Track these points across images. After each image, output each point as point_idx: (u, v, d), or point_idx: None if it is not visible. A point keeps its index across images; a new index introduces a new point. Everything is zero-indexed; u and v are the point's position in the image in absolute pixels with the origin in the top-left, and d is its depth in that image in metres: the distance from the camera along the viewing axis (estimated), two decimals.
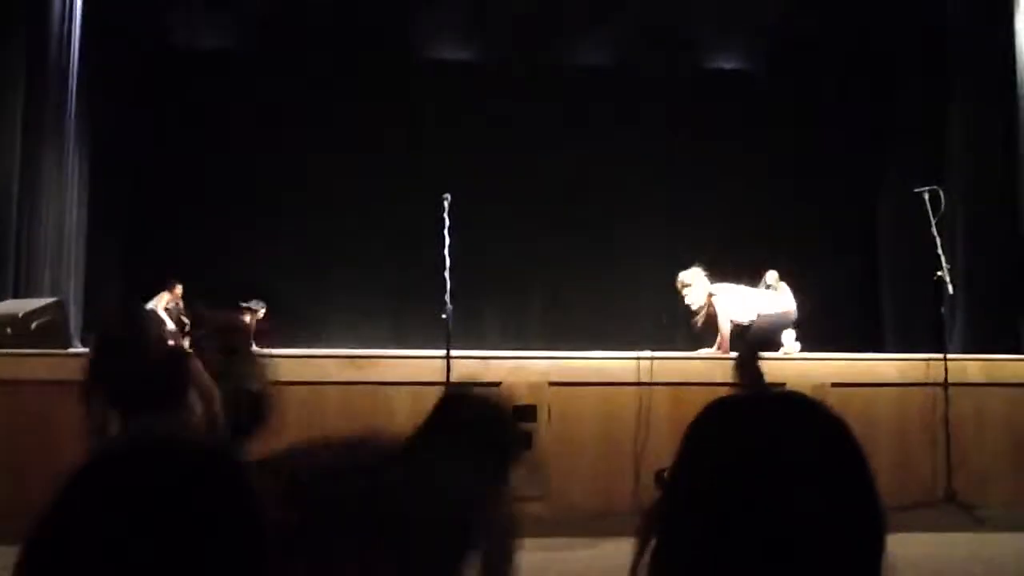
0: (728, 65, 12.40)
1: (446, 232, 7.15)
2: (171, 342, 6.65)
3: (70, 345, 7.94)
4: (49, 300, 8.22)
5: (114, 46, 10.69)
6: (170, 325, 9.33)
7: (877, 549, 0.96)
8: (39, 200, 9.14)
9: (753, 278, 9.87)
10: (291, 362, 7.39)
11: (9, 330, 7.48)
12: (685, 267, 8.44)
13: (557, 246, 11.68)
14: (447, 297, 7.25)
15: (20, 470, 6.32)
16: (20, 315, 7.66)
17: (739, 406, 1.03)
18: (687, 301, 8.32)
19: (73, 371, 6.90)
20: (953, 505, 6.90)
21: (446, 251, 7.13)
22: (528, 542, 6.01)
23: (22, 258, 8.96)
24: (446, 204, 7.23)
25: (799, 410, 1.02)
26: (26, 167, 8.94)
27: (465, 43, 12.10)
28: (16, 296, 8.52)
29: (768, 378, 6.10)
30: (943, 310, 7.72)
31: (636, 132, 12.06)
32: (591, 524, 6.39)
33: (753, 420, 1.01)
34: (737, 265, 11.41)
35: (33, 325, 7.60)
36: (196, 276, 9.91)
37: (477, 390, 2.93)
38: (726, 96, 12.19)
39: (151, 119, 11.58)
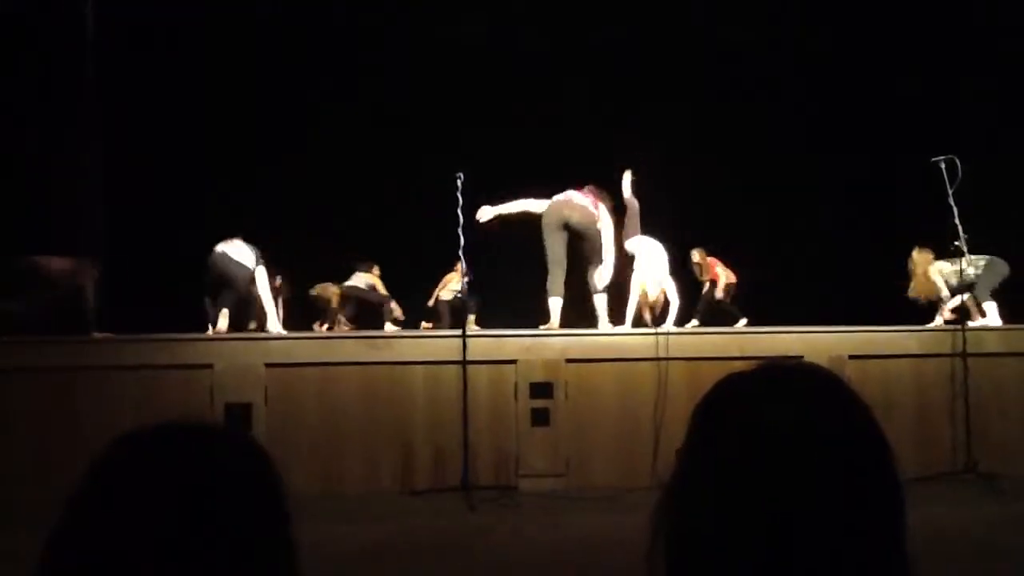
0: (745, 36, 12.27)
1: (460, 211, 7.14)
2: None
3: (90, 331, 8.00)
4: (68, 286, 8.26)
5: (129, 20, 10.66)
6: None
7: (898, 522, 0.96)
8: (58, 185, 9.16)
9: (770, 253, 9.87)
10: (310, 343, 7.44)
11: (26, 316, 7.53)
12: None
13: None
14: (462, 276, 7.27)
15: (43, 456, 6.39)
16: (38, 302, 7.72)
17: (752, 380, 1.03)
18: None
19: (94, 356, 7.02)
20: (974, 475, 6.88)
21: (460, 231, 7.12)
22: (548, 517, 6.08)
23: (42, 245, 8.99)
24: (459, 183, 7.21)
25: (811, 382, 1.02)
26: (47, 152, 8.97)
27: (480, 18, 12.02)
28: (36, 285, 8.56)
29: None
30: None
31: (655, 106, 11.99)
32: (610, 500, 6.42)
33: (766, 393, 1.00)
34: (753, 239, 11.43)
35: (52, 312, 7.66)
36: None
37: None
38: (745, 68, 12.09)
39: (169, 95, 11.51)
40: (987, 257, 8.56)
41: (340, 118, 11.85)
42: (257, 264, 8.60)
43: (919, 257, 8.86)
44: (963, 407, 7.12)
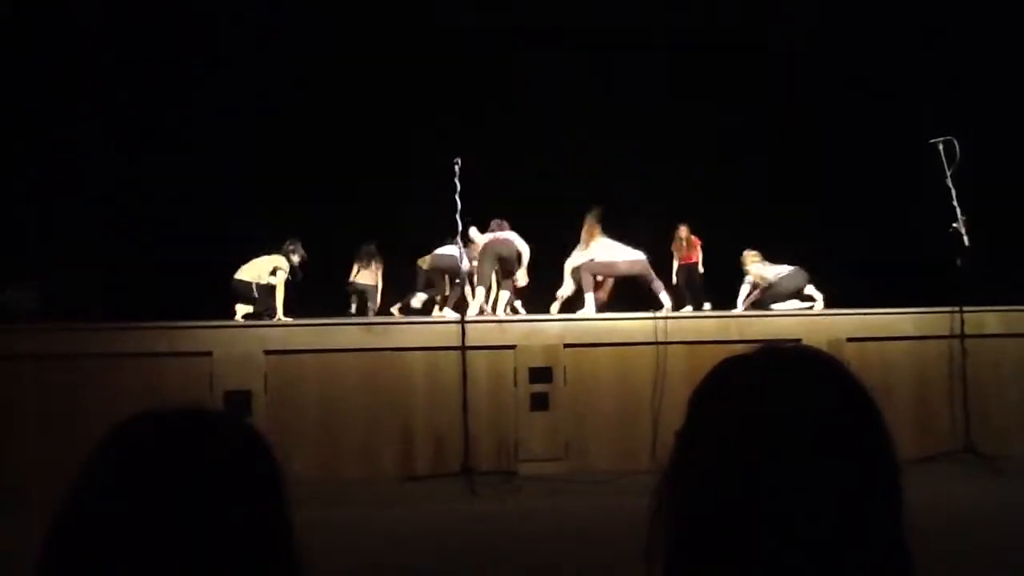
0: (743, 20, 12.22)
1: (457, 197, 7.13)
2: None
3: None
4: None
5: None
6: None
7: (895, 504, 0.96)
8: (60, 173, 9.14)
9: (767, 235, 9.87)
10: (311, 330, 7.44)
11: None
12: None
13: (571, 207, 11.61)
14: (461, 262, 7.27)
15: (45, 443, 6.40)
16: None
17: (750, 363, 1.02)
18: None
19: (94, 344, 7.02)
20: (972, 456, 6.90)
21: (458, 216, 7.12)
22: (548, 502, 6.10)
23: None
24: (457, 168, 7.20)
25: (810, 365, 1.01)
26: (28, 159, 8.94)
27: (481, 4, 11.97)
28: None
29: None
30: (959, 261, 7.66)
31: (653, 90, 11.96)
32: (609, 483, 6.43)
33: (765, 376, 1.00)
34: (756, 223, 11.41)
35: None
36: (228, 252, 9.76)
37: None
38: (739, 51, 12.04)
39: (168, 90, 11.48)
40: (792, 267, 9.45)
41: (335, 103, 11.81)
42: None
43: (749, 256, 9.79)
44: (961, 388, 7.14)
